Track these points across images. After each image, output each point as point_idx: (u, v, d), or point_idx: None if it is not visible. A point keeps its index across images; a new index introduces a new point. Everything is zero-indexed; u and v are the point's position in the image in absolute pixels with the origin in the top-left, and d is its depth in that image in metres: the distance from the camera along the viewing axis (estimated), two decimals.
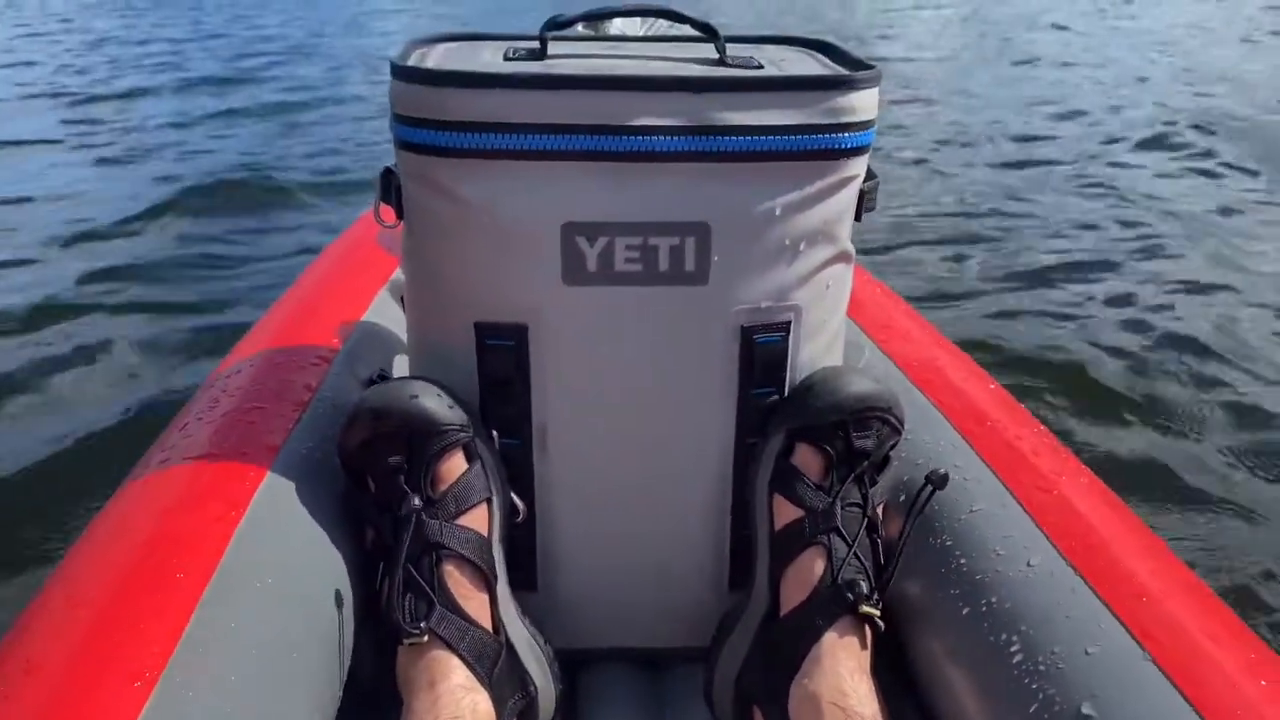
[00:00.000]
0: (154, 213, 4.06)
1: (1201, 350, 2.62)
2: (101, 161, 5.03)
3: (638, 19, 1.30)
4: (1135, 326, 2.77)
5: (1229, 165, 4.44)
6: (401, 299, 1.08)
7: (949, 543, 0.85)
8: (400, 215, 0.88)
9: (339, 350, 1.09)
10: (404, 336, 1.19)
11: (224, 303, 3.08)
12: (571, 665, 0.97)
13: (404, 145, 0.84)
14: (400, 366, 1.16)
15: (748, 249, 0.84)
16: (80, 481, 2.05)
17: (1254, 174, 4.31)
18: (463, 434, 0.85)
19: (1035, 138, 5.06)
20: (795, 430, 0.88)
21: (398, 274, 1.36)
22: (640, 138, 0.81)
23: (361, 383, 1.05)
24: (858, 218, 0.90)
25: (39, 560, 1.79)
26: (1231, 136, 4.89)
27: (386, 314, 1.24)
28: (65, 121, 5.91)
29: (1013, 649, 0.73)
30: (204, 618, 0.68)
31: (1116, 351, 2.62)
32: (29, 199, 4.29)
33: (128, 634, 0.65)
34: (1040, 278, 3.16)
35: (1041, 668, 0.70)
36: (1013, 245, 3.45)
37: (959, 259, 3.34)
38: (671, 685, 0.99)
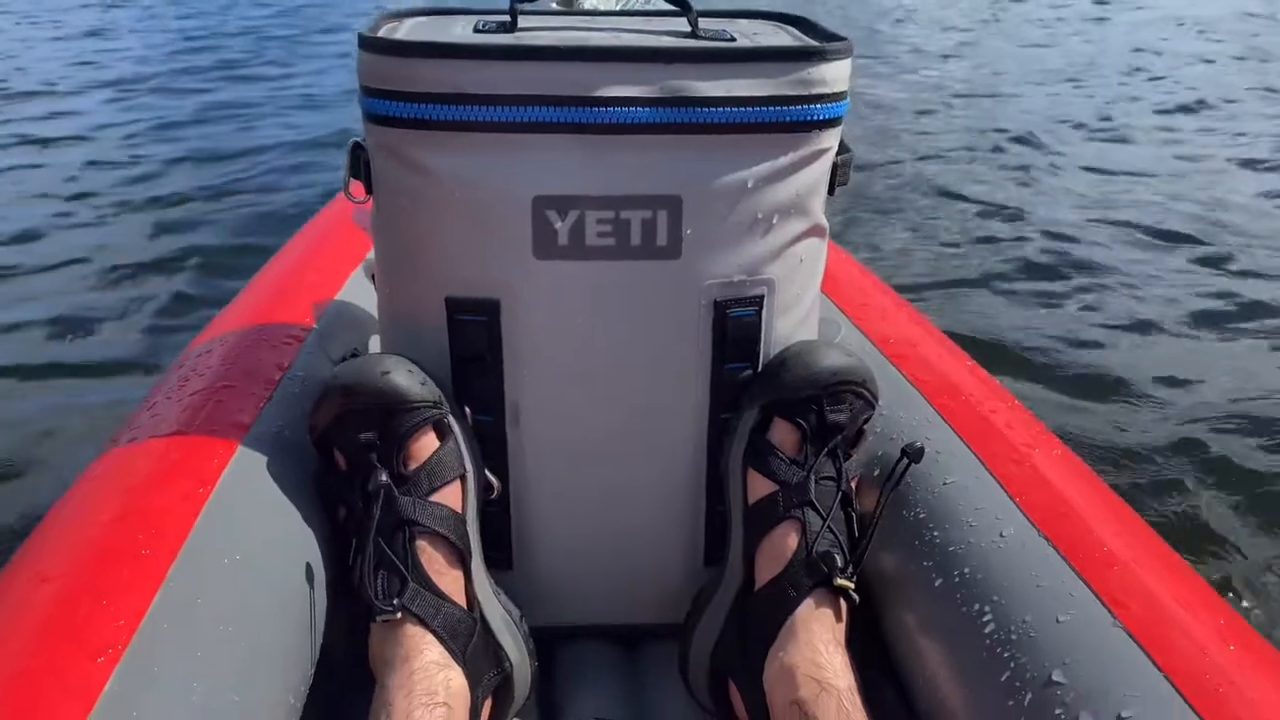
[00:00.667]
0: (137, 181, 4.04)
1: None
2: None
3: None
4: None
5: None
6: (371, 279, 1.07)
7: (923, 515, 0.85)
8: (369, 190, 0.87)
9: (311, 330, 1.08)
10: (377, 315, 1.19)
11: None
12: (547, 642, 0.96)
13: (372, 118, 0.83)
14: (374, 346, 1.15)
15: (720, 222, 0.83)
16: (50, 459, 2.04)
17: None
18: (435, 410, 0.84)
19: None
20: (769, 405, 0.88)
21: (371, 254, 1.35)
22: (611, 109, 0.80)
23: (334, 362, 1.04)
24: (831, 191, 0.89)
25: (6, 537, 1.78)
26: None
27: (360, 294, 1.23)
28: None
29: (985, 619, 0.73)
30: (170, 593, 0.67)
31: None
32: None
33: (92, 608, 0.64)
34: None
35: (1013, 637, 0.70)
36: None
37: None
38: (647, 661, 0.99)
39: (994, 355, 2.39)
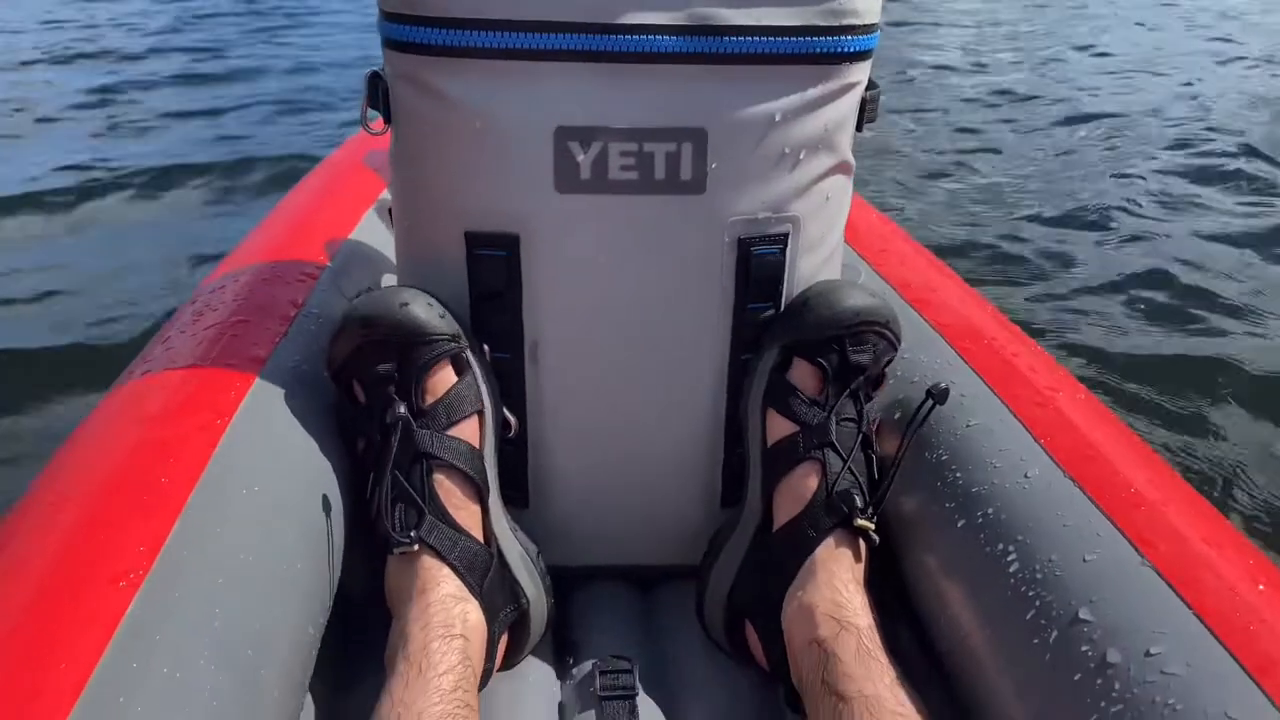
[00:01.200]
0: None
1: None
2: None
3: None
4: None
5: None
6: (390, 215, 1.06)
7: (945, 457, 0.84)
8: (388, 120, 0.86)
9: (325, 267, 1.07)
10: (391, 257, 1.17)
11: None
12: (562, 582, 0.96)
13: (391, 44, 0.81)
14: (390, 281, 1.14)
15: (746, 156, 0.82)
16: (66, 387, 2.05)
17: None
18: (453, 345, 0.83)
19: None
20: (790, 345, 0.87)
21: (385, 194, 1.33)
22: (636, 37, 0.78)
23: (349, 300, 1.03)
24: (859, 128, 0.87)
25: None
26: None
27: (374, 234, 1.21)
28: None
29: (1009, 559, 0.73)
30: (189, 522, 0.67)
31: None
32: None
33: (112, 536, 0.64)
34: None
35: (1039, 575, 0.70)
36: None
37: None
38: (662, 602, 0.99)
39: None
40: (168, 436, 0.74)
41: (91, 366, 2.13)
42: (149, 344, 0.93)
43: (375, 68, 0.86)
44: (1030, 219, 3.18)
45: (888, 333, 0.87)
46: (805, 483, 0.85)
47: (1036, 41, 6.23)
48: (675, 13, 0.78)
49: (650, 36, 0.78)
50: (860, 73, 0.84)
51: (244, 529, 0.70)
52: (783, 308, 0.88)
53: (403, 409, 0.80)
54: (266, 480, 0.75)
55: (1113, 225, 3.10)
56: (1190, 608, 0.62)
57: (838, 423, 0.85)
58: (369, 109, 0.86)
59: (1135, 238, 3.00)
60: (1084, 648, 0.64)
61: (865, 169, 0.91)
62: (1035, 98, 4.82)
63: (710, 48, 0.79)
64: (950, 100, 4.82)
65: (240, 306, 0.94)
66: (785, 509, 0.86)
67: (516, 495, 0.93)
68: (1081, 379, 0.97)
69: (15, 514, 0.68)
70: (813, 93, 0.81)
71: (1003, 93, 4.94)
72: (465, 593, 0.80)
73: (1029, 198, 3.41)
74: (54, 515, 0.66)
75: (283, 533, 0.73)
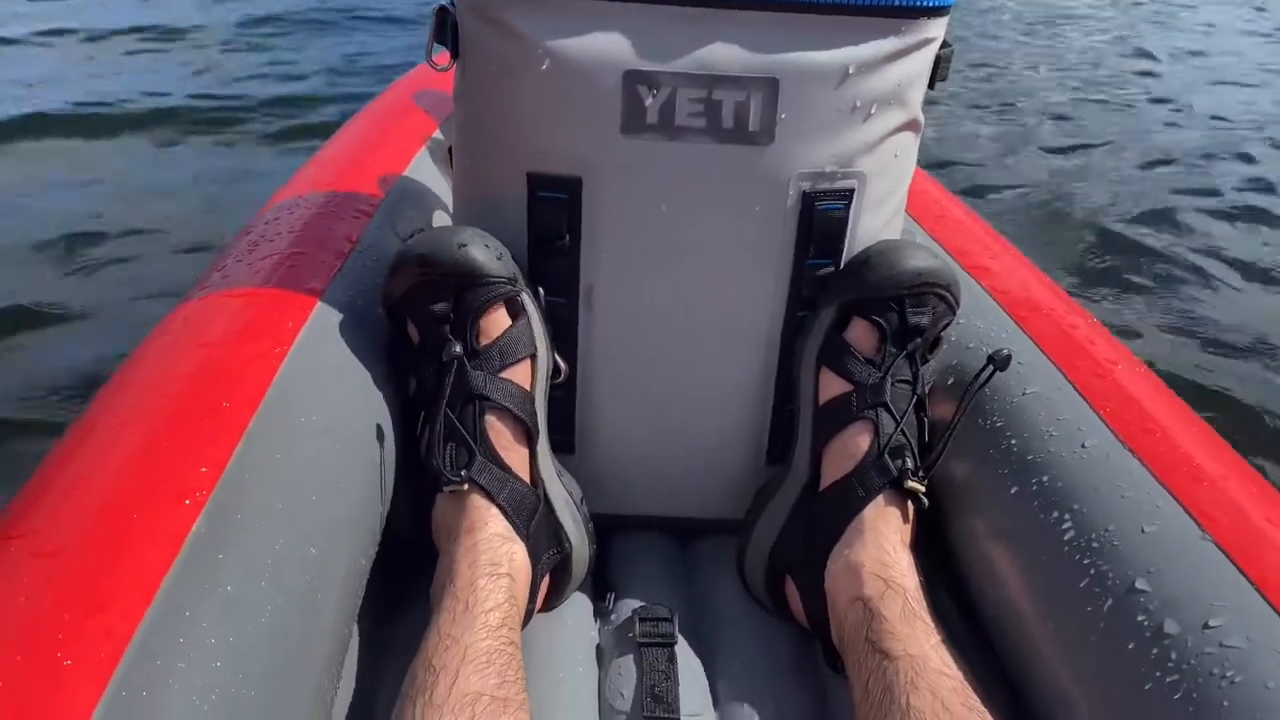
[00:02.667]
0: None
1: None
2: None
3: None
4: None
5: None
6: (448, 155, 1.05)
7: (999, 424, 0.83)
8: (455, 56, 0.85)
9: (379, 204, 1.06)
10: (444, 198, 1.17)
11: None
12: (603, 530, 0.97)
13: None
14: (442, 221, 1.13)
15: (816, 108, 0.80)
16: (118, 316, 2.07)
17: None
18: (510, 287, 0.83)
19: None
20: (849, 303, 0.86)
21: (437, 135, 1.33)
22: None
23: (401, 239, 1.03)
24: (931, 85, 0.86)
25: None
26: None
27: (426, 174, 1.21)
28: None
29: (1064, 526, 0.72)
30: (251, 446, 0.67)
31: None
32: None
33: (176, 456, 0.64)
34: None
35: (1095, 544, 0.69)
36: None
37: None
38: (702, 555, 0.99)
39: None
40: (228, 361, 0.74)
41: (138, 300, 2.16)
42: (205, 271, 0.93)
43: (444, 2, 0.85)
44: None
45: (948, 295, 0.86)
46: (856, 442, 0.84)
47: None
48: None
49: None
50: (937, 28, 0.82)
51: (303, 457, 0.70)
52: (843, 265, 0.88)
53: (458, 349, 0.80)
54: (324, 411, 0.75)
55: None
56: (1252, 582, 0.62)
57: (893, 383, 0.84)
58: (435, 43, 0.86)
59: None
60: (1140, 617, 0.63)
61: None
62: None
63: None
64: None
65: (296, 239, 0.94)
66: (834, 468, 0.85)
67: (563, 441, 0.94)
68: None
69: (80, 430, 0.69)
70: (888, 46, 0.80)
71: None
72: (512, 533, 0.81)
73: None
74: (119, 433, 0.67)
75: (339, 464, 0.74)
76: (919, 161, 0.92)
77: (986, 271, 1.03)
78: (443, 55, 0.86)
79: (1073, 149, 3.66)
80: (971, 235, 1.14)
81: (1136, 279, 2.58)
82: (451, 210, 0.97)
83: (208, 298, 0.85)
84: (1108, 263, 2.69)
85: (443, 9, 0.84)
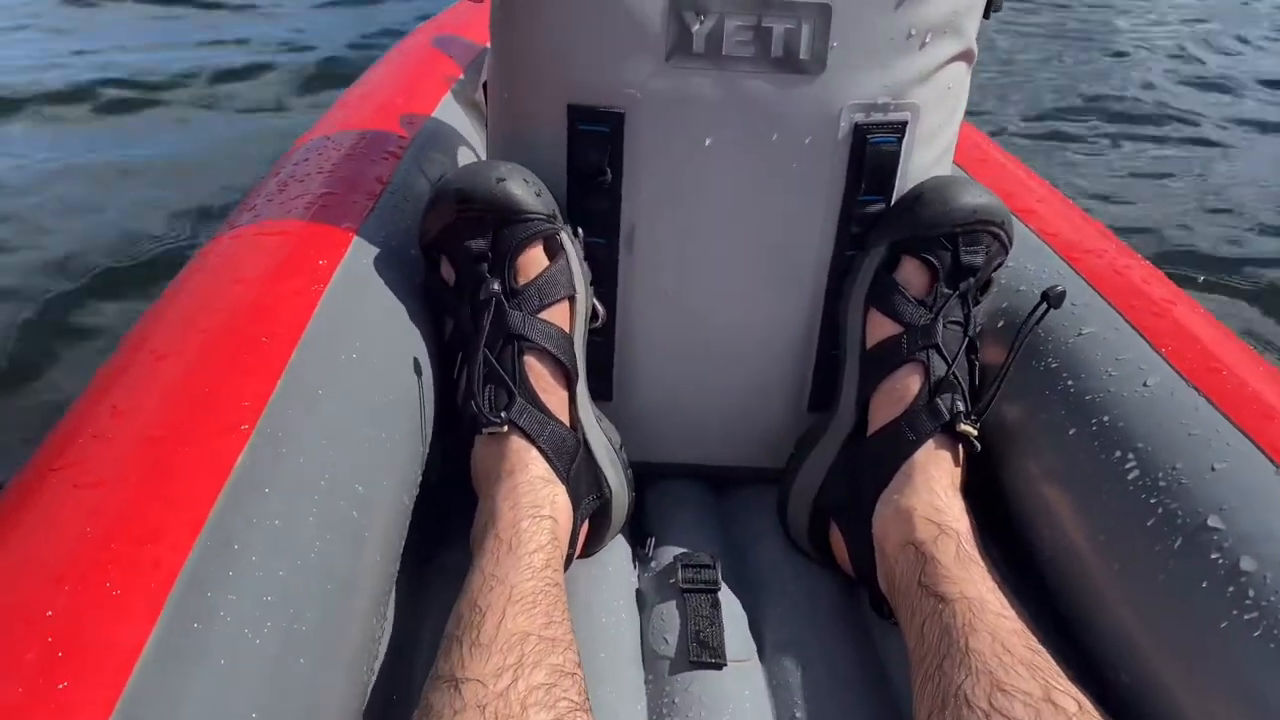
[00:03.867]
0: None
1: None
2: None
3: None
4: None
5: None
6: (473, 104, 1.02)
7: (1055, 365, 0.81)
8: None
9: (409, 146, 1.04)
10: (473, 141, 1.14)
11: None
12: (642, 478, 0.95)
13: None
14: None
15: (870, 36, 0.77)
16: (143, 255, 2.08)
17: None
18: (549, 225, 0.81)
19: None
20: (900, 242, 0.83)
21: (462, 78, 1.30)
22: None
23: (431, 180, 1.00)
24: (986, 15, 0.83)
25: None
26: None
27: (454, 117, 1.18)
28: None
29: (1127, 466, 0.70)
30: (293, 379, 0.65)
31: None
32: None
33: (218, 389, 0.62)
34: None
35: (1162, 484, 0.67)
36: None
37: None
38: (742, 504, 0.97)
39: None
40: (265, 298, 0.72)
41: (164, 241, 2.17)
42: (234, 211, 0.91)
43: None
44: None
45: (1002, 234, 0.83)
46: (906, 385, 0.82)
47: None
48: None
49: None
50: None
51: (345, 394, 0.68)
52: (894, 203, 0.85)
53: (496, 286, 0.78)
54: (363, 349, 0.73)
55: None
56: None
57: (945, 325, 0.82)
58: None
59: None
60: (1214, 555, 0.61)
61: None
62: None
63: None
64: None
65: (326, 179, 0.92)
66: (882, 412, 0.83)
67: (600, 386, 0.91)
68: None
69: (118, 359, 0.67)
70: None
71: None
72: (553, 476, 0.79)
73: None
74: (158, 367, 0.65)
75: (379, 403, 0.72)
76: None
77: (1033, 214, 1.00)
78: None
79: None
80: (1015, 178, 1.11)
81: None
82: (486, 146, 0.94)
83: (240, 235, 0.83)
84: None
85: None
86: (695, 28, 0.77)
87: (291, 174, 0.94)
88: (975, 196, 0.82)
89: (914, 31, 0.78)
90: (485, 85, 0.89)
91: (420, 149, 1.05)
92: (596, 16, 0.77)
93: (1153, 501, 0.67)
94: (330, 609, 0.57)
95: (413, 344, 0.80)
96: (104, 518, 0.51)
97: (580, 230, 0.85)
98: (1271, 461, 0.65)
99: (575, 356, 0.83)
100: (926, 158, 0.85)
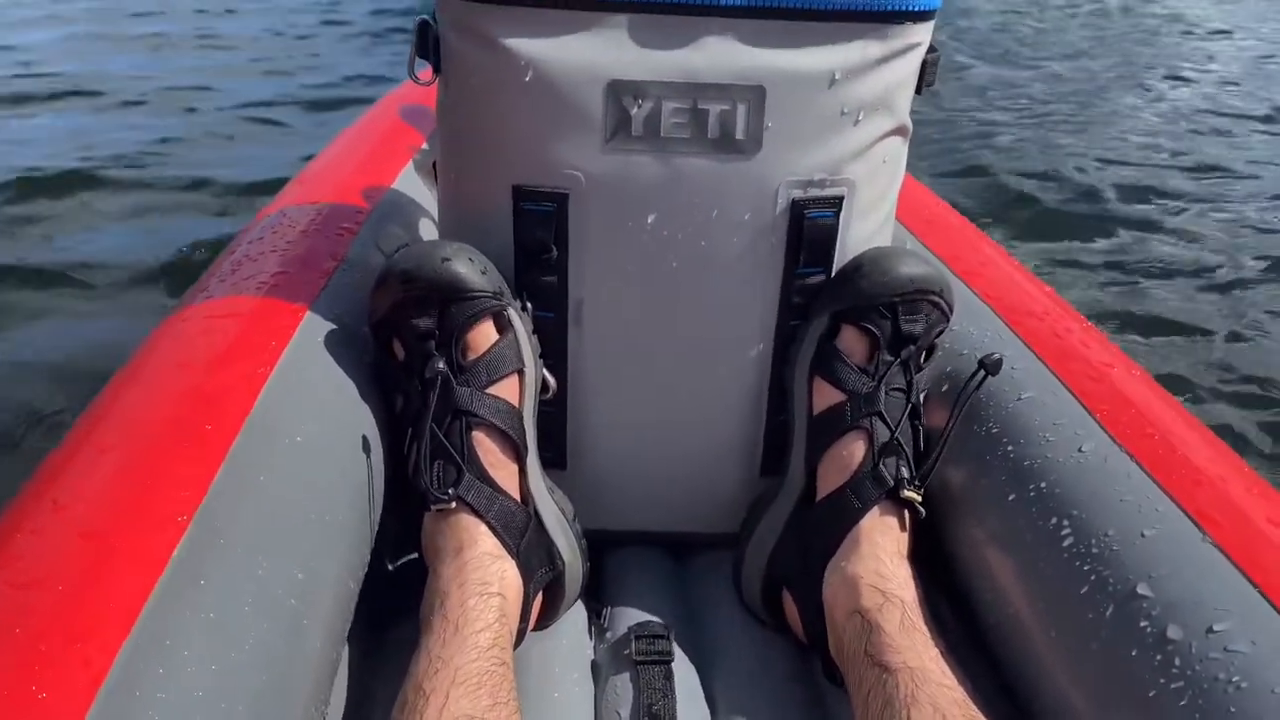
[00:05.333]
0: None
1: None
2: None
3: None
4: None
5: None
6: (432, 174, 1.04)
7: (995, 430, 0.82)
8: (437, 70, 0.84)
9: (364, 221, 1.05)
10: (431, 211, 1.16)
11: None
12: (596, 546, 0.95)
13: None
14: (428, 236, 1.13)
15: (803, 115, 0.80)
16: (101, 339, 2.06)
17: None
18: (495, 301, 0.82)
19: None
20: (841, 311, 0.85)
21: (424, 148, 1.32)
22: None
23: (386, 255, 1.02)
24: (919, 90, 0.85)
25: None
26: None
27: (412, 189, 1.20)
28: None
29: (1063, 533, 0.71)
30: (234, 468, 0.66)
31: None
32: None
33: (159, 479, 0.63)
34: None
35: (1094, 550, 0.68)
36: None
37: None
38: (697, 570, 0.98)
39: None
40: (211, 384, 0.73)
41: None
42: (189, 291, 0.92)
43: (425, 16, 0.84)
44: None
45: (941, 302, 0.85)
46: (851, 452, 0.83)
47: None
48: None
49: None
50: (923, 33, 0.82)
51: (287, 479, 0.69)
52: (834, 273, 0.87)
53: (442, 364, 0.79)
54: (308, 432, 0.74)
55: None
56: (1255, 585, 0.61)
57: (887, 392, 0.83)
58: (417, 58, 0.85)
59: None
60: (1143, 623, 0.62)
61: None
62: None
63: (771, 1, 0.77)
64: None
65: (280, 257, 0.93)
66: (829, 479, 0.84)
67: (554, 456, 0.92)
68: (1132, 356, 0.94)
69: (62, 452, 0.67)
70: (874, 51, 0.79)
71: None
72: (502, 551, 0.80)
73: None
74: (101, 456, 0.66)
75: (325, 485, 0.72)
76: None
77: (977, 276, 1.02)
78: (425, 70, 0.85)
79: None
80: (961, 238, 1.13)
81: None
82: (438, 224, 0.96)
83: (190, 319, 0.84)
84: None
85: (424, 23, 0.84)
86: (634, 111, 0.79)
87: (246, 253, 0.95)
88: (913, 267, 0.84)
89: (847, 109, 0.80)
90: (435, 164, 0.91)
91: (377, 223, 1.06)
92: (538, 102, 0.79)
93: (1086, 568, 0.68)
94: (268, 700, 0.57)
95: (363, 422, 0.81)
96: (35, 617, 0.52)
97: (529, 304, 0.86)
98: (1198, 528, 0.66)
99: (525, 430, 0.84)
100: (865, 229, 0.87)
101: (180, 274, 2.33)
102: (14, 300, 2.27)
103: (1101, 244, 2.79)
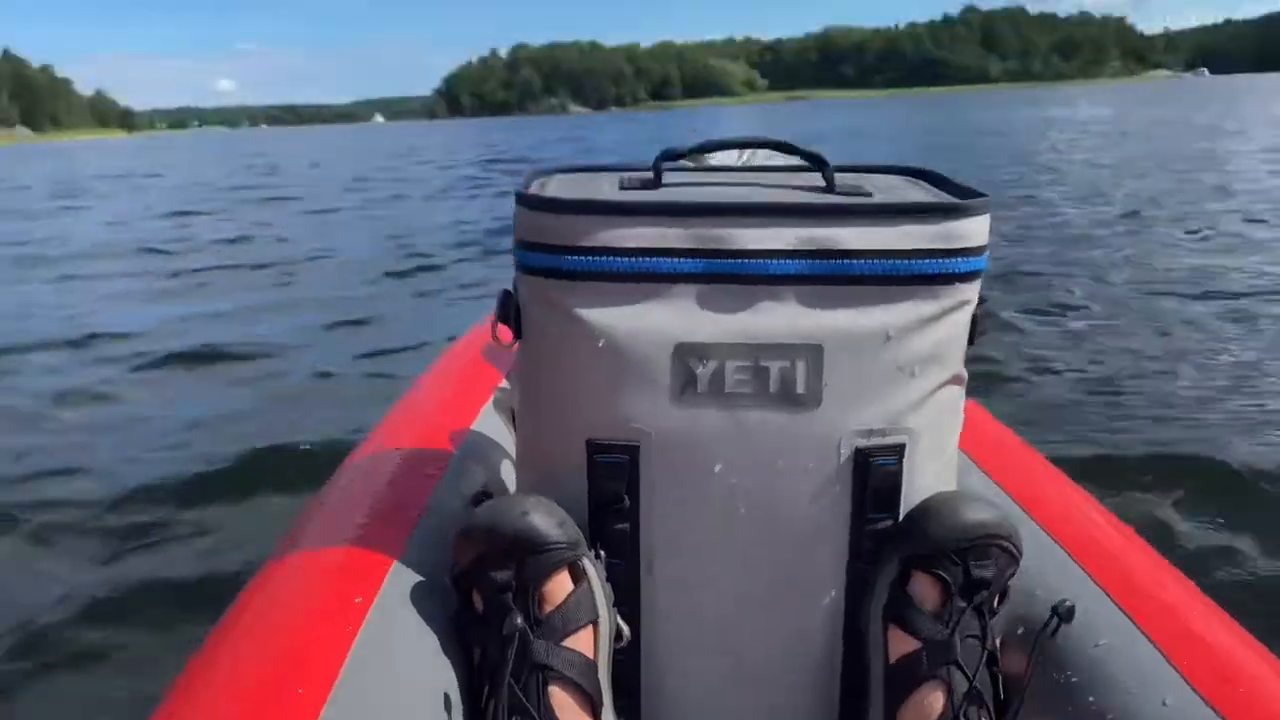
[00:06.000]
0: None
1: None
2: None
3: (735, 151, 1.34)
4: None
5: None
6: (511, 413, 1.10)
7: (1075, 679, 0.81)
8: (517, 335, 0.91)
9: (447, 465, 1.11)
10: (509, 449, 1.21)
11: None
12: None
13: (526, 269, 0.87)
14: (508, 479, 1.17)
15: (861, 372, 0.84)
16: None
17: None
18: (570, 552, 0.85)
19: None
20: (911, 557, 0.86)
21: (503, 385, 1.39)
22: (753, 261, 0.83)
23: (467, 499, 1.06)
24: (970, 342, 0.89)
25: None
26: None
27: (492, 427, 1.26)
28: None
29: None
30: None
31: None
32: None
33: None
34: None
35: None
36: None
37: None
38: None
39: None
40: (300, 645, 0.77)
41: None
42: (278, 543, 0.97)
43: (507, 288, 0.92)
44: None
45: (1011, 546, 0.86)
46: (930, 703, 0.82)
47: None
48: (791, 239, 0.82)
49: (768, 261, 0.83)
50: (971, 291, 0.86)
51: None
52: (901, 519, 0.88)
53: (519, 620, 0.81)
54: (394, 691, 0.76)
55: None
56: None
57: (962, 639, 0.83)
58: (499, 322, 0.92)
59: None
60: None
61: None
62: None
63: (825, 270, 0.83)
64: None
65: (367, 508, 0.98)
66: None
67: (629, 707, 0.92)
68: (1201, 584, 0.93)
69: (163, 714, 0.70)
70: (926, 310, 0.84)
71: None
72: None
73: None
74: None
75: None
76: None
77: (1042, 510, 1.02)
78: (506, 334, 0.92)
79: None
80: (1025, 471, 1.14)
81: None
82: (516, 473, 1.01)
83: (280, 575, 0.88)
84: None
85: (507, 292, 0.91)
86: (699, 370, 0.84)
87: (335, 504, 1.01)
88: (980, 512, 0.85)
89: (902, 364, 0.84)
90: (514, 413, 0.97)
91: (459, 467, 1.12)
92: (609, 365, 0.85)
93: None
94: None
95: (445, 677, 0.83)
96: None
97: (602, 552, 0.89)
98: None
99: (599, 683, 0.85)
100: (928, 473, 0.89)
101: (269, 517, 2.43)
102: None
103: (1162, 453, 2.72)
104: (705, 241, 0.83)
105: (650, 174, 0.94)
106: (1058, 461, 1.20)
